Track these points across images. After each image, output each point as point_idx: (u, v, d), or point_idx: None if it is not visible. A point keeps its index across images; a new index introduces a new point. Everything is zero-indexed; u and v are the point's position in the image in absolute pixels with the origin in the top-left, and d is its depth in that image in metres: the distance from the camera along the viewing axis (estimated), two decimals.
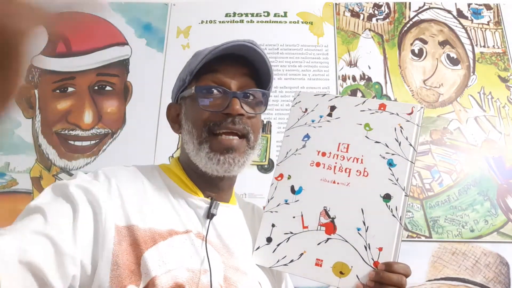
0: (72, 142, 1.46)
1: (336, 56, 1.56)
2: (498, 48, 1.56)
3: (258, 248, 0.66)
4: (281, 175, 0.69)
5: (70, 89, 1.52)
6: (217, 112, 0.64)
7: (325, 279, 0.60)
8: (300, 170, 0.68)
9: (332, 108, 0.70)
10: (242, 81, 0.67)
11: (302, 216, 0.65)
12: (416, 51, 1.57)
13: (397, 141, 0.64)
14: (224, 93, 0.65)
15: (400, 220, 0.60)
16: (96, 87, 1.52)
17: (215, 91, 0.65)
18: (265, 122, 1.47)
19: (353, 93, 1.51)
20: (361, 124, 0.67)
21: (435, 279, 1.28)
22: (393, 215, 0.60)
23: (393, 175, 0.63)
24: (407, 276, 0.58)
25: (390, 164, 0.64)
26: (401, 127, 0.65)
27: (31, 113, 1.50)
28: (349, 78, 1.53)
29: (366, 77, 1.53)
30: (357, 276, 0.59)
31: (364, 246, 0.60)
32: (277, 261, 0.64)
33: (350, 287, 0.58)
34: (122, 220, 0.57)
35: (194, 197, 0.66)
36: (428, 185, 1.39)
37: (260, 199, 1.36)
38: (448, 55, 1.55)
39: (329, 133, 0.68)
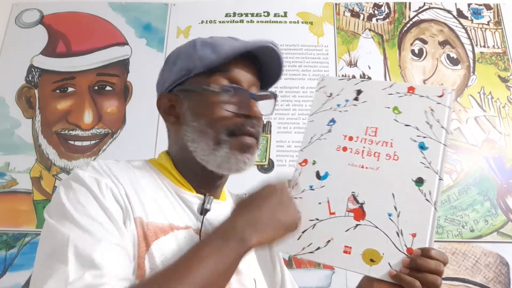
0: (72, 142, 1.46)
1: (336, 56, 1.56)
2: (498, 48, 1.56)
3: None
4: (305, 161, 0.66)
5: (70, 89, 1.52)
6: (237, 114, 0.63)
7: (354, 267, 0.57)
8: (326, 155, 0.65)
9: (359, 92, 0.68)
10: (252, 80, 0.66)
11: (328, 202, 0.62)
12: (416, 51, 1.57)
13: (428, 123, 0.62)
14: (244, 94, 0.63)
15: (434, 205, 0.57)
16: (96, 87, 1.53)
17: (238, 92, 0.63)
18: (265, 122, 1.47)
19: None
20: (389, 108, 0.65)
21: None
22: (427, 200, 0.58)
23: (425, 158, 0.60)
24: (445, 263, 0.55)
25: (422, 147, 0.61)
26: (431, 109, 0.63)
27: (31, 113, 1.50)
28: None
29: (366, 77, 1.53)
30: (389, 264, 0.56)
31: (396, 232, 0.57)
32: (302, 249, 0.60)
33: (381, 275, 0.55)
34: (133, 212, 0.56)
35: (188, 193, 0.64)
36: None
37: None
38: (448, 55, 1.55)
39: (356, 117, 0.66)
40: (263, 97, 0.67)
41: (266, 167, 1.42)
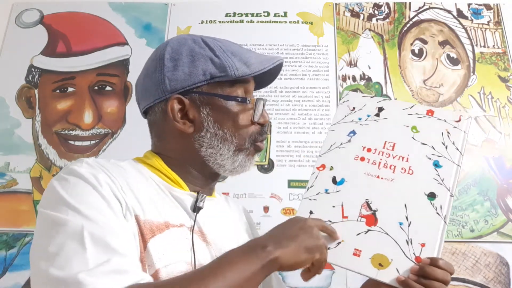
0: (72, 142, 1.46)
1: (336, 56, 1.56)
2: (498, 48, 1.56)
3: None
4: (323, 166, 0.70)
5: (70, 89, 1.52)
6: (256, 123, 0.67)
7: (363, 270, 0.60)
8: (344, 162, 0.69)
9: (380, 109, 0.73)
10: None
11: (342, 206, 0.65)
12: (416, 51, 1.57)
13: (444, 144, 0.66)
14: (262, 104, 0.67)
15: (444, 218, 0.61)
16: (96, 87, 1.53)
17: (259, 102, 0.66)
18: None
19: None
20: (408, 126, 0.69)
21: None
22: (438, 213, 0.61)
23: (438, 175, 0.64)
24: (451, 273, 0.57)
25: (436, 165, 0.65)
26: (448, 132, 0.67)
27: (31, 113, 1.50)
28: (349, 78, 1.53)
29: (366, 77, 1.53)
30: (397, 270, 0.58)
31: (406, 240, 0.60)
32: None
33: (389, 279, 0.58)
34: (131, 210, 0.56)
35: (180, 191, 0.64)
36: None
37: (260, 199, 1.36)
38: (448, 55, 1.55)
39: (376, 131, 0.70)
40: None
41: (266, 167, 1.42)
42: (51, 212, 0.51)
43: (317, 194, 0.67)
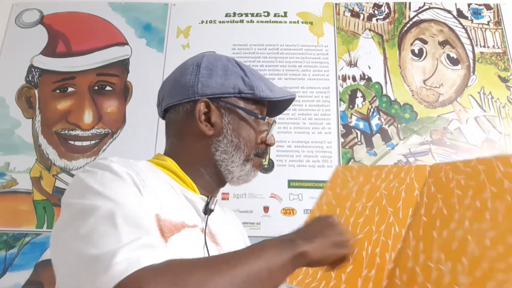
0: (72, 142, 1.46)
1: (336, 56, 1.56)
2: (498, 48, 1.56)
3: None
4: None
5: (70, 89, 1.52)
6: (265, 141, 0.75)
7: None
8: None
9: None
10: None
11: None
12: (416, 51, 1.57)
13: None
14: (273, 128, 0.75)
15: None
16: (96, 87, 1.53)
17: (272, 125, 0.75)
18: None
19: (353, 93, 1.51)
20: None
21: None
22: None
23: None
24: None
25: None
26: None
27: (31, 113, 1.50)
28: (349, 78, 1.53)
29: (366, 77, 1.53)
30: None
31: None
32: None
33: None
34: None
35: (192, 194, 0.67)
36: None
37: (260, 199, 1.36)
38: (448, 55, 1.55)
39: None
40: None
41: (266, 167, 1.42)
42: (79, 200, 0.51)
43: None
